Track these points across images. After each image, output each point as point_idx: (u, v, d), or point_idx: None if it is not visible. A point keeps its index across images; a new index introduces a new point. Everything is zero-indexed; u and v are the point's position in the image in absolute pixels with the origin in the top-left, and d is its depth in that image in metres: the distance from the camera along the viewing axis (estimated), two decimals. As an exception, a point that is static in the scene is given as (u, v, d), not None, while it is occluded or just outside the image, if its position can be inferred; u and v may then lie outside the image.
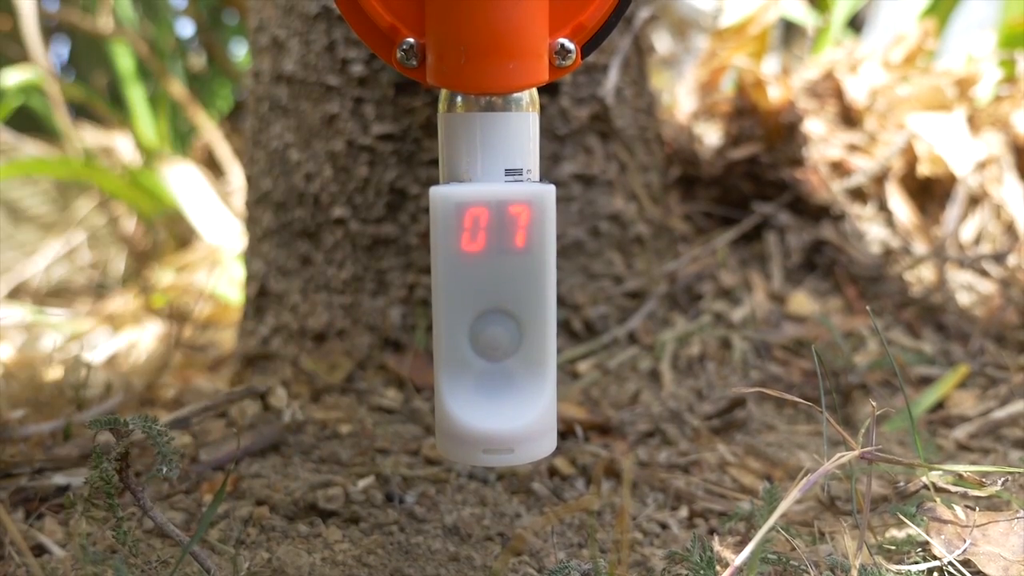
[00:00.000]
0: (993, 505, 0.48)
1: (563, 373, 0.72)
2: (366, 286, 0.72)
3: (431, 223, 0.37)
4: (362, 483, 0.54)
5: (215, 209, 1.41)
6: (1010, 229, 0.98)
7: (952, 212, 0.97)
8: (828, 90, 1.04)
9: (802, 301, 0.85)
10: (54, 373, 0.90)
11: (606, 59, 0.76)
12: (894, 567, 0.42)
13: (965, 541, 0.43)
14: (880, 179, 0.98)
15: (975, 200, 0.99)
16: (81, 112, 1.80)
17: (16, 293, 1.49)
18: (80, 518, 0.40)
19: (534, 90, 0.38)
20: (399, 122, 0.70)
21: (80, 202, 1.62)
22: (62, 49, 2.00)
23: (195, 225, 1.42)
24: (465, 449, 0.38)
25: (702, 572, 0.40)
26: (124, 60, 1.68)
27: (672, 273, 0.83)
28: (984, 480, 0.44)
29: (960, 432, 0.65)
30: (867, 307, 0.54)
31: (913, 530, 0.44)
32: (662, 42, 1.31)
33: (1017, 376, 0.73)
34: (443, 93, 0.38)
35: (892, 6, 1.42)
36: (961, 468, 0.45)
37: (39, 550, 0.46)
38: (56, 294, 1.53)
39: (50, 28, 1.87)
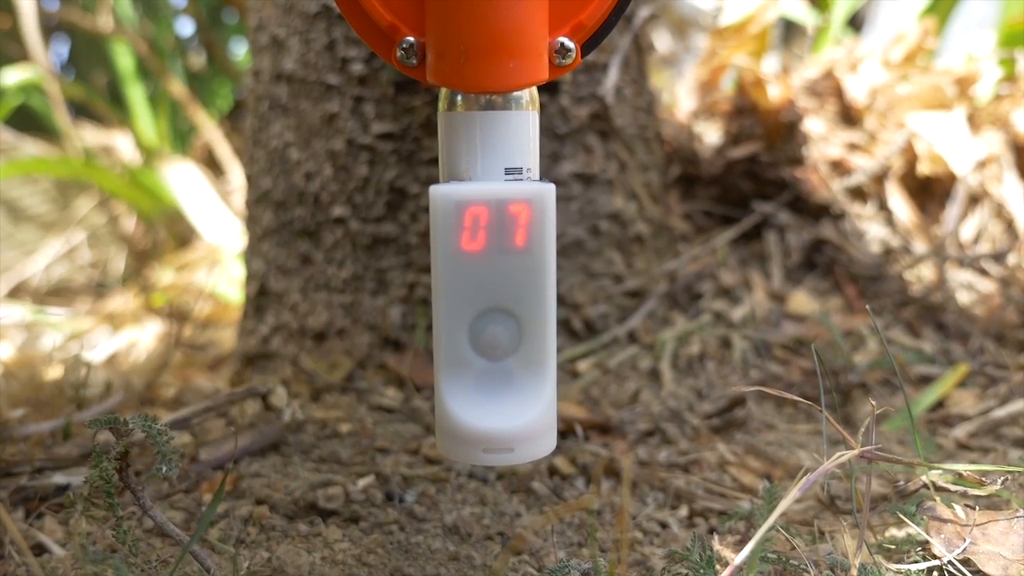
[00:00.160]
0: (993, 504, 0.48)
1: (563, 372, 0.72)
2: (366, 285, 0.72)
3: (431, 222, 0.37)
4: (362, 482, 0.54)
5: (215, 208, 1.41)
6: (1010, 228, 0.98)
7: (952, 211, 0.97)
8: (828, 89, 1.04)
9: (802, 300, 0.85)
10: (54, 372, 0.90)
11: (606, 58, 0.76)
12: (894, 566, 0.42)
13: (965, 540, 0.43)
14: (880, 178, 0.98)
15: (975, 199, 0.99)
16: (81, 111, 1.80)
17: (16, 292, 1.49)
18: (80, 517, 0.40)
19: (534, 89, 0.38)
20: (399, 121, 0.70)
21: (80, 201, 1.62)
22: (62, 48, 2.00)
23: (195, 224, 1.42)
24: (465, 448, 0.38)
25: (702, 571, 0.40)
26: (124, 59, 1.67)
27: (672, 272, 0.83)
28: (984, 479, 0.44)
29: (960, 431, 0.65)
30: (867, 306, 0.54)
31: (913, 529, 0.44)
32: (662, 41, 1.31)
33: (1017, 375, 0.73)
34: (443, 92, 0.38)
35: (892, 5, 1.42)
36: (961, 467, 0.45)
37: (39, 549, 0.46)
38: (56, 293, 1.53)
39: (50, 27, 1.87)
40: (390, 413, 0.66)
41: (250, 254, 0.79)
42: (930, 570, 0.42)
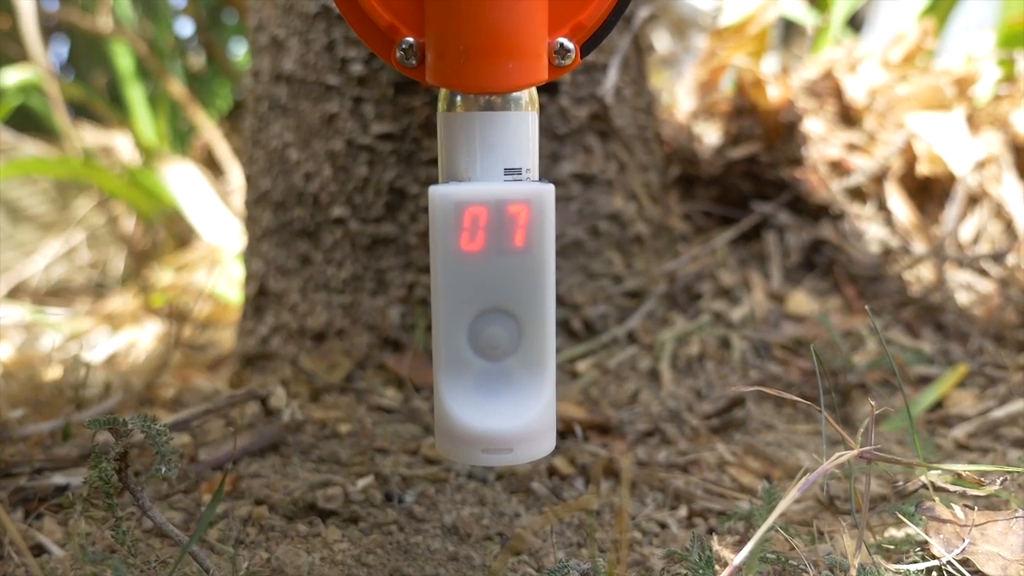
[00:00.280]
0: (992, 504, 0.48)
1: (562, 372, 0.72)
2: (365, 285, 0.72)
3: (430, 222, 0.37)
4: (361, 483, 0.54)
5: (214, 208, 1.41)
6: (1009, 228, 0.98)
7: (951, 211, 0.97)
8: (827, 89, 1.04)
9: (801, 300, 0.85)
10: (53, 373, 0.90)
11: (605, 58, 0.76)
12: (893, 566, 0.42)
13: (964, 540, 0.43)
14: (879, 178, 0.99)
15: (974, 199, 0.99)
16: (80, 111, 1.80)
17: (15, 292, 1.49)
18: (79, 518, 0.40)
19: (533, 89, 0.38)
20: (398, 121, 0.70)
21: (79, 201, 1.62)
22: (61, 48, 2.00)
23: (194, 224, 1.42)
24: (464, 449, 0.38)
25: (701, 571, 0.40)
26: (123, 59, 1.67)
27: (671, 272, 0.83)
28: (983, 479, 0.44)
29: (959, 431, 0.65)
30: (866, 306, 0.54)
31: (912, 529, 0.44)
32: (661, 41, 1.31)
33: (1016, 375, 0.73)
34: (442, 92, 0.38)
35: (891, 5, 1.42)
36: (960, 467, 0.45)
37: (38, 550, 0.46)
38: (55, 293, 1.53)
39: (49, 27, 1.87)
40: (389, 413, 0.66)
41: (249, 254, 0.79)
42: (929, 570, 0.42)
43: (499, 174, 0.38)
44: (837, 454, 0.40)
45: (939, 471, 0.46)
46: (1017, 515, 0.44)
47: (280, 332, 0.76)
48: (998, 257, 0.92)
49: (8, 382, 0.84)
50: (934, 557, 0.43)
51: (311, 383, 0.69)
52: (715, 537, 0.48)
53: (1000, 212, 0.99)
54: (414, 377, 0.69)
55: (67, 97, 1.63)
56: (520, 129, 0.38)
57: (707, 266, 0.86)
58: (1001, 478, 0.45)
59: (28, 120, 1.74)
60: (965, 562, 0.42)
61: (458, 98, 0.38)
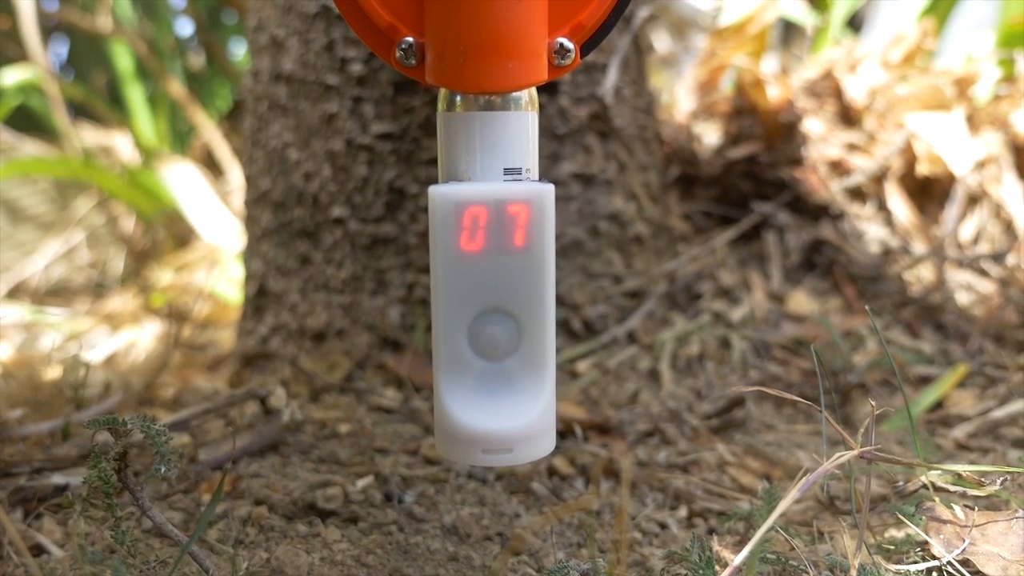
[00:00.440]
0: (992, 505, 0.48)
1: (562, 373, 0.72)
2: (365, 285, 0.72)
3: (430, 222, 0.37)
4: (361, 483, 0.54)
5: (214, 208, 1.41)
6: (1009, 228, 0.98)
7: (951, 211, 0.97)
8: (827, 89, 1.04)
9: (801, 300, 0.85)
10: (53, 372, 0.90)
11: (605, 58, 0.76)
12: (893, 567, 0.42)
13: (964, 541, 0.43)
14: (879, 178, 0.98)
15: (974, 199, 0.99)
16: (80, 111, 1.80)
17: (15, 292, 1.49)
18: (79, 518, 0.40)
19: (533, 89, 0.38)
20: (398, 121, 0.70)
21: (79, 201, 1.62)
22: (61, 48, 2.00)
23: (194, 224, 1.42)
24: (464, 449, 0.38)
25: (701, 572, 0.40)
26: (123, 59, 1.67)
27: (671, 272, 0.83)
28: (983, 480, 0.44)
29: (959, 432, 0.65)
30: (866, 306, 0.54)
31: (912, 530, 0.44)
32: (661, 41, 1.31)
33: (1016, 375, 0.73)
34: (442, 92, 0.38)
35: (891, 6, 1.42)
36: (960, 468, 0.45)
37: (38, 550, 0.46)
38: (55, 293, 1.53)
39: (49, 27, 1.87)
40: (389, 413, 0.66)
41: (249, 254, 0.79)
42: (929, 570, 0.42)
43: (499, 174, 0.38)
44: (837, 454, 0.40)
45: (939, 471, 0.46)
46: (1017, 515, 0.44)
47: (280, 332, 0.76)
48: (998, 257, 0.92)
49: (8, 382, 0.84)
50: (934, 557, 0.43)
51: (311, 383, 0.69)
52: (715, 537, 0.48)
53: (1000, 212, 0.99)
54: (414, 377, 0.69)
55: (67, 97, 1.63)
56: (520, 129, 0.38)
57: (707, 266, 0.86)
58: (1001, 478, 0.45)
59: (28, 120, 1.74)
60: (965, 562, 0.42)
61: (458, 98, 0.38)
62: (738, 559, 0.36)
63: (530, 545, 0.49)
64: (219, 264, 1.28)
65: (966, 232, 0.98)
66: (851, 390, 0.72)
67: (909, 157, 0.99)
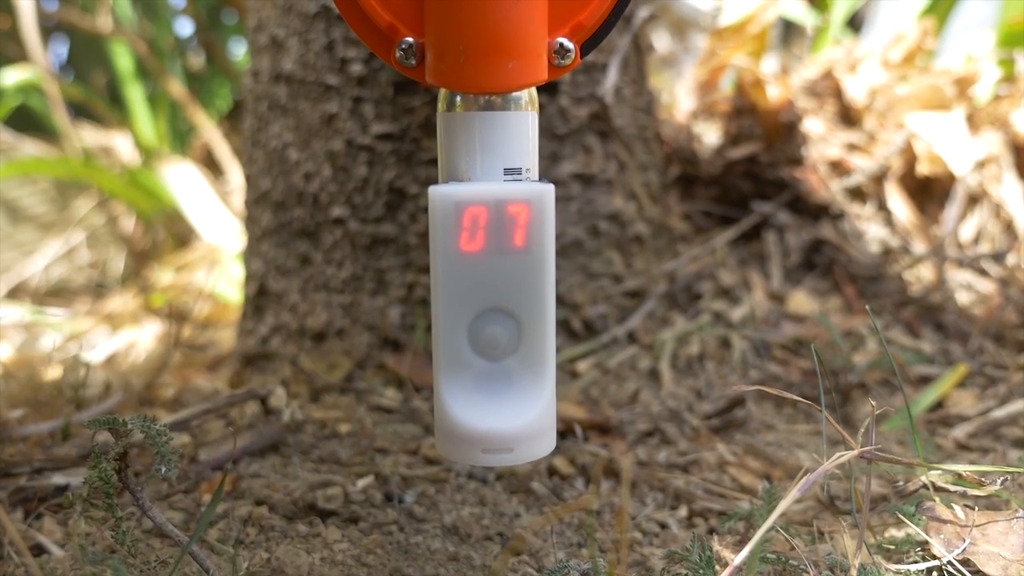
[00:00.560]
0: (992, 504, 0.48)
1: (562, 372, 0.72)
2: (365, 285, 0.72)
3: (430, 222, 0.37)
4: (361, 483, 0.54)
5: (214, 208, 1.41)
6: (1009, 228, 0.98)
7: (951, 211, 0.97)
8: (827, 89, 1.04)
9: (801, 300, 0.85)
10: (53, 373, 0.90)
11: (605, 58, 0.76)
12: (893, 567, 0.42)
13: (964, 540, 0.43)
14: (879, 178, 0.98)
15: (974, 199, 0.99)
16: (80, 112, 1.80)
17: (15, 293, 1.49)
18: (79, 518, 0.40)
19: (533, 89, 0.38)
20: (398, 121, 0.70)
21: (79, 202, 1.62)
22: (61, 48, 2.00)
23: (194, 224, 1.42)
24: (464, 449, 0.38)
25: (701, 572, 0.40)
26: (123, 59, 1.67)
27: (671, 272, 0.83)
28: (983, 479, 0.44)
29: (959, 431, 0.65)
30: (866, 306, 0.54)
31: (912, 529, 0.44)
32: (661, 41, 1.31)
33: (1016, 375, 0.73)
34: (442, 92, 0.38)
35: (891, 5, 1.42)
36: (960, 467, 0.45)
37: (38, 550, 0.46)
38: (55, 294, 1.53)
39: (49, 27, 1.87)
40: (389, 413, 0.66)
41: (249, 254, 0.79)
42: (929, 570, 0.42)
43: (499, 174, 0.38)
44: (837, 454, 0.40)
45: (939, 471, 0.46)
46: (1017, 515, 0.44)
47: (280, 332, 0.76)
48: (998, 257, 0.92)
49: (8, 382, 0.84)
50: (934, 557, 0.43)
51: (311, 383, 0.69)
52: (715, 537, 0.48)
53: (1000, 212, 0.99)
54: (414, 377, 0.69)
55: (67, 97, 1.63)
56: (520, 129, 0.38)
57: (707, 266, 0.86)
58: (1001, 478, 0.45)
59: (28, 120, 1.74)
60: (966, 562, 0.42)
61: (458, 98, 0.38)
62: (738, 559, 0.36)
63: (530, 545, 0.49)
64: (219, 264, 1.28)
65: (966, 232, 0.98)
66: (851, 390, 0.72)
67: (909, 157, 0.99)
